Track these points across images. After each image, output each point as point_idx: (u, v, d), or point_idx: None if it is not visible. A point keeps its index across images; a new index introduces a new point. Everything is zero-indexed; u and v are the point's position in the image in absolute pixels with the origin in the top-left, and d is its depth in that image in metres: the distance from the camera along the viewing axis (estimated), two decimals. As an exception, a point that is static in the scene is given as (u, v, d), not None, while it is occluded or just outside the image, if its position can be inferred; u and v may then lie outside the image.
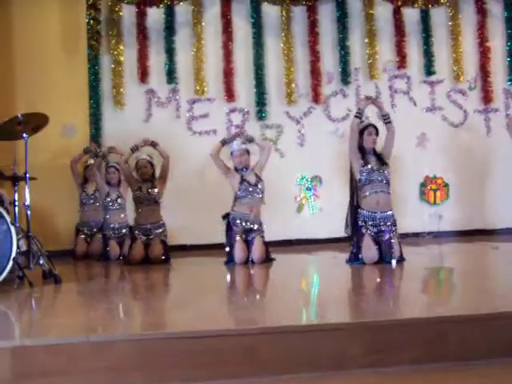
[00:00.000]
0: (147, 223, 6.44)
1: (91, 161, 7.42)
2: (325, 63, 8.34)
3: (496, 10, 8.60)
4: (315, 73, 8.28)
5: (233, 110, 8.14)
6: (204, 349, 2.65)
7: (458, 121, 8.50)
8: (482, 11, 8.54)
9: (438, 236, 8.14)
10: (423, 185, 8.41)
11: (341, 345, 2.71)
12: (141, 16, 8.07)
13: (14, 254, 4.45)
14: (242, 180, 6.05)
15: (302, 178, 8.19)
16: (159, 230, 6.47)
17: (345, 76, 8.29)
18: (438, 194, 8.42)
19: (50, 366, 2.58)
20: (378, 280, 4.75)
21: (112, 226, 6.97)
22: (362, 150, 5.63)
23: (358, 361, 2.70)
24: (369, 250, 5.39)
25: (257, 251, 5.89)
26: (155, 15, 8.09)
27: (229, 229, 6.05)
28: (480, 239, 7.57)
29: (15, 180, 5.09)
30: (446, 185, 8.42)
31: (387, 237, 5.42)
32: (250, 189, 6.03)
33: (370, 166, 5.55)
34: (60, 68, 7.83)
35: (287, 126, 8.24)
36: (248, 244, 5.94)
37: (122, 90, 7.98)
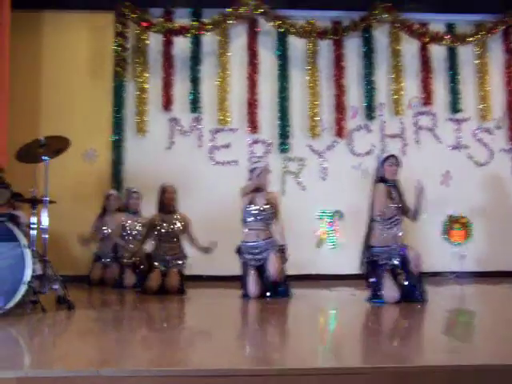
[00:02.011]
0: (166, 255, 6.36)
1: (112, 191, 7.40)
2: (349, 97, 8.30)
3: (524, 50, 8.52)
4: (340, 107, 8.23)
5: (255, 142, 8.10)
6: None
7: (483, 160, 8.37)
8: (509, 50, 8.47)
9: (460, 276, 7.94)
10: (446, 223, 8.24)
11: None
12: (167, 45, 8.13)
13: (28, 278, 4.38)
14: (251, 203, 5.93)
15: (323, 213, 8.08)
16: (179, 262, 6.38)
17: (369, 111, 8.23)
18: (462, 233, 8.24)
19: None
20: (400, 322, 4.59)
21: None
22: (382, 179, 5.50)
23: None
24: (390, 290, 5.23)
25: (271, 267, 5.71)
26: (181, 44, 8.14)
27: (243, 262, 5.94)
28: (503, 281, 7.36)
29: (34, 203, 5.05)
30: (470, 224, 8.24)
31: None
32: (257, 214, 5.90)
33: (393, 202, 5.42)
34: (85, 93, 7.89)
35: (310, 159, 8.17)
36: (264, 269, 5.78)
37: (145, 117, 8.00)
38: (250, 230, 5.93)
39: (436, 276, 7.77)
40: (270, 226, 5.98)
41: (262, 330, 4.27)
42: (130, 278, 6.74)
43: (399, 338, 3.78)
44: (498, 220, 8.19)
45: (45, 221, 5.01)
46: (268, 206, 5.95)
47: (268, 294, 5.72)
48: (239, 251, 5.97)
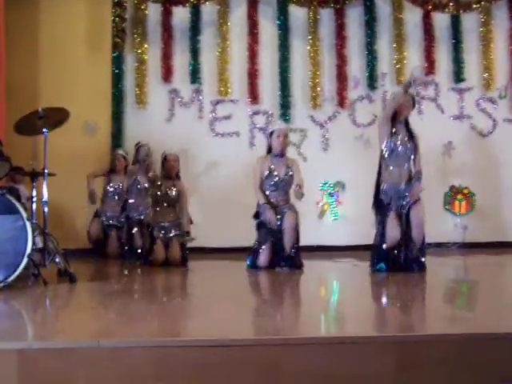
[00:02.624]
0: (165, 221, 6.33)
1: (119, 151, 7.40)
2: (351, 67, 8.19)
3: (530, 17, 8.38)
4: (341, 77, 8.13)
5: (256, 112, 8.02)
6: (221, 359, 2.52)
7: (486, 130, 8.29)
8: (515, 17, 8.33)
9: (462, 247, 7.93)
10: (449, 194, 8.20)
11: (366, 360, 2.56)
12: (166, 15, 7.99)
13: (28, 251, 4.37)
14: (270, 172, 5.81)
15: (325, 184, 8.04)
16: (177, 232, 6.34)
17: (371, 81, 8.13)
18: (464, 204, 8.20)
19: (58, 371, 2.46)
20: (403, 292, 4.58)
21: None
22: (394, 117, 5.41)
23: (386, 378, 2.55)
24: (393, 229, 5.23)
25: (287, 221, 5.64)
26: (181, 14, 8.00)
27: (259, 226, 5.81)
28: (506, 251, 7.36)
29: (33, 175, 5.01)
30: (472, 195, 8.20)
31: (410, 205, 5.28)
32: (277, 182, 5.80)
33: (398, 137, 5.36)
34: (84, 65, 7.78)
35: (311, 130, 8.10)
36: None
37: (145, 88, 7.91)
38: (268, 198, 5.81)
39: (439, 247, 7.76)
40: (288, 192, 5.88)
41: (266, 301, 4.27)
42: (138, 240, 6.75)
43: (403, 308, 3.77)
44: (501, 191, 8.14)
45: (45, 194, 4.98)
46: (287, 176, 5.83)
47: (282, 264, 5.63)
48: (257, 216, 5.83)
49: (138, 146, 7.20)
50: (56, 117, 5.01)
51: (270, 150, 5.93)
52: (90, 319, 3.28)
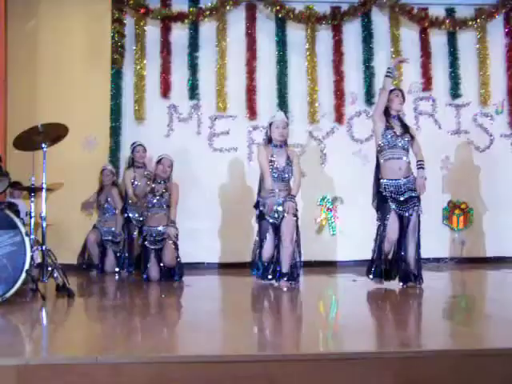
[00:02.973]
0: (159, 225, 6.29)
1: (106, 165, 7.41)
2: (349, 83, 8.23)
3: (525, 34, 8.45)
4: (339, 93, 8.18)
5: (255, 128, 8.05)
6: (219, 375, 2.51)
7: (483, 145, 8.32)
8: (510, 34, 8.39)
9: (460, 262, 7.93)
10: (446, 209, 8.22)
11: (365, 376, 2.56)
12: (165, 31, 8.06)
13: (27, 266, 4.37)
14: (270, 162, 5.67)
15: (323, 199, 8.06)
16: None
17: (369, 96, 8.17)
18: (462, 218, 8.22)
19: (57, 386, 2.47)
20: (401, 307, 4.58)
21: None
22: (386, 112, 5.46)
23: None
24: (393, 224, 5.28)
25: (285, 228, 5.50)
26: (179, 31, 8.06)
27: (260, 218, 5.71)
28: (504, 267, 7.36)
29: (32, 191, 5.02)
30: (470, 210, 8.22)
31: (410, 212, 5.30)
32: (277, 172, 5.65)
33: (393, 131, 5.38)
34: (83, 80, 7.82)
35: (309, 145, 8.14)
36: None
37: (143, 104, 7.95)
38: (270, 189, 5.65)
39: (437, 262, 7.77)
40: (289, 182, 5.76)
41: (265, 317, 4.26)
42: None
43: (402, 323, 3.77)
44: (498, 206, 8.16)
45: (43, 209, 4.99)
46: (288, 166, 5.70)
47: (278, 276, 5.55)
48: (257, 206, 5.73)
49: (134, 146, 7.24)
50: (55, 132, 5.05)
51: (269, 141, 5.81)
52: (88, 335, 3.28)
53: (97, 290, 6.00)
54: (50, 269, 4.86)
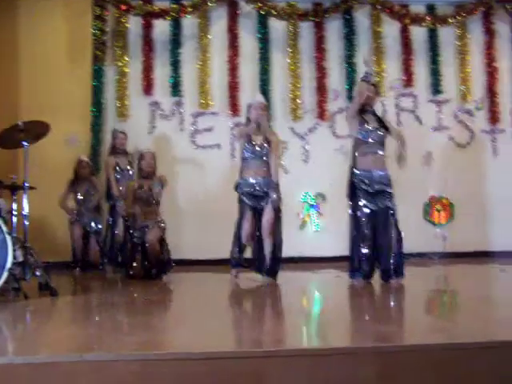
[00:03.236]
0: (146, 221, 6.28)
1: (82, 157, 7.32)
2: (331, 80, 8.28)
3: (504, 31, 8.55)
4: (321, 89, 8.22)
5: (237, 125, 8.03)
6: (204, 371, 2.53)
7: (464, 141, 8.42)
8: (490, 31, 8.50)
9: (442, 257, 8.01)
10: (428, 205, 8.29)
11: (348, 370, 2.59)
12: (147, 28, 8.04)
13: (9, 265, 4.33)
14: (249, 140, 5.71)
15: (306, 195, 8.09)
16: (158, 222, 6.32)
17: (351, 93, 8.19)
18: (443, 214, 8.30)
19: (42, 385, 2.46)
20: (384, 302, 4.63)
21: None
22: (361, 109, 5.48)
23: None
24: (366, 217, 5.30)
25: (264, 219, 5.61)
26: (161, 27, 8.05)
27: (240, 199, 5.75)
28: (485, 261, 7.46)
29: (14, 189, 4.98)
30: (452, 205, 8.30)
31: (380, 205, 5.32)
32: (254, 150, 5.69)
33: (369, 126, 5.41)
34: (64, 78, 7.78)
35: (292, 142, 8.15)
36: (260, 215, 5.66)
37: (126, 101, 7.94)
38: (249, 169, 5.73)
39: (419, 257, 7.83)
40: (267, 164, 5.75)
41: (248, 313, 4.28)
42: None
43: (384, 318, 3.80)
44: (480, 201, 8.26)
45: (25, 207, 4.95)
46: (266, 145, 5.72)
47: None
48: (237, 188, 5.77)
49: (114, 132, 7.33)
50: (36, 130, 5.00)
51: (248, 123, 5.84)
52: (72, 333, 3.27)
53: (81, 288, 5.98)
54: (32, 267, 4.82)
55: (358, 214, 5.36)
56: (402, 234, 5.39)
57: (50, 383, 2.47)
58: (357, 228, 5.37)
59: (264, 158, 5.72)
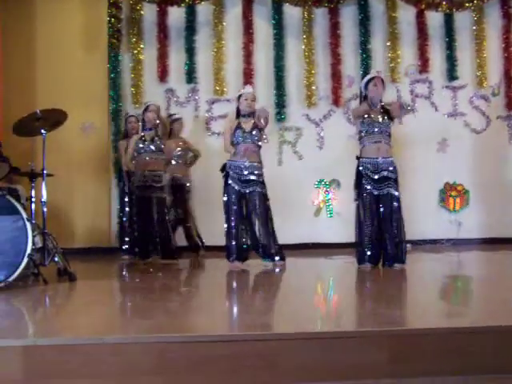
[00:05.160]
0: (147, 177, 6.31)
1: (131, 113, 7.35)
2: (346, 66, 8.26)
3: (522, 15, 8.46)
4: (336, 76, 8.21)
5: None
6: (219, 354, 2.59)
7: (480, 127, 8.37)
8: (507, 16, 8.41)
9: (457, 243, 8.01)
10: (443, 191, 8.28)
11: (360, 354, 2.64)
12: (162, 15, 8.06)
13: (29, 251, 4.42)
14: (238, 127, 5.73)
15: (321, 182, 8.11)
16: (160, 184, 6.36)
17: (366, 79, 8.18)
18: (458, 200, 8.29)
19: (63, 367, 2.53)
20: (396, 287, 4.66)
21: None
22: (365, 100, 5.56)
23: (379, 370, 2.62)
24: (370, 204, 5.41)
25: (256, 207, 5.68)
26: (176, 14, 8.06)
27: (226, 183, 5.75)
28: (500, 247, 7.44)
29: (32, 176, 5.07)
30: (467, 192, 8.29)
31: (384, 192, 5.39)
32: (245, 134, 5.70)
33: (372, 118, 5.45)
34: (80, 66, 7.83)
35: (306, 128, 8.17)
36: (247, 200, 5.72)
37: (141, 88, 7.98)
38: (238, 152, 5.73)
39: (434, 243, 7.85)
40: (259, 148, 5.78)
41: (262, 298, 4.33)
42: None
43: (395, 303, 3.84)
44: (495, 187, 8.22)
45: (44, 194, 5.03)
46: (255, 131, 5.73)
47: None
48: (224, 168, 5.79)
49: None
50: (54, 118, 5.06)
51: (238, 114, 5.86)
52: (92, 316, 3.35)
53: (98, 274, 6.07)
54: (50, 253, 4.91)
55: (363, 200, 5.42)
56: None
57: (71, 364, 2.55)
58: (362, 214, 5.42)
59: (254, 139, 5.73)
